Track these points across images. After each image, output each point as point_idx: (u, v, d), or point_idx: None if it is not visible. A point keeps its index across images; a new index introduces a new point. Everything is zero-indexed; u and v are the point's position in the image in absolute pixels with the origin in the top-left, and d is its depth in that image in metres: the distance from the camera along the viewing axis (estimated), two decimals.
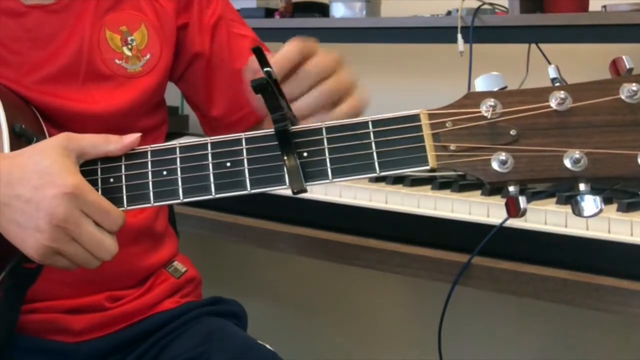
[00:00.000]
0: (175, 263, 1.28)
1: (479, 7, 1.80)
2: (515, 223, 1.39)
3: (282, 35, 2.17)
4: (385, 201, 1.58)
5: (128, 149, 0.94)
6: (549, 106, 0.79)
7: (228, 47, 1.27)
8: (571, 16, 1.70)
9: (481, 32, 1.78)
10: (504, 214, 1.44)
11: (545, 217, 1.40)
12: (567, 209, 1.39)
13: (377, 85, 2.32)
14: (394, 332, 2.40)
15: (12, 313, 1.07)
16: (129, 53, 1.18)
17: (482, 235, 1.42)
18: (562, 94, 0.79)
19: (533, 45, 1.92)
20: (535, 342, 2.13)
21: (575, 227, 1.35)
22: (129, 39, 1.19)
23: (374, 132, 0.85)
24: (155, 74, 1.21)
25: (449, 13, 1.85)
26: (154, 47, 1.20)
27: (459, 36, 1.78)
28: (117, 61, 1.18)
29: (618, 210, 1.37)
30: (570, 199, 1.41)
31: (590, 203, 0.79)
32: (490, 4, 1.83)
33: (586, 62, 1.95)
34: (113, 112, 1.16)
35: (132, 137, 0.94)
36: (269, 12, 2.16)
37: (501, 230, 1.40)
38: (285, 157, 0.86)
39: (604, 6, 1.69)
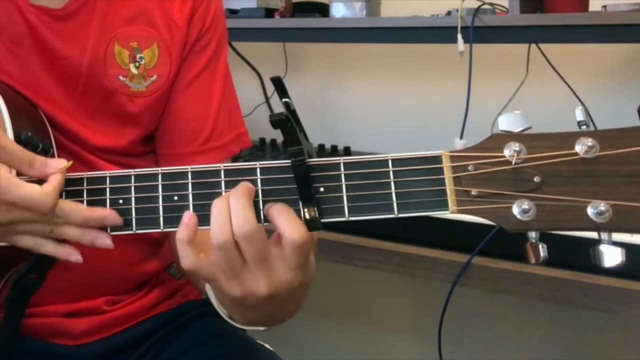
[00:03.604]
0: (176, 265, 1.27)
1: (479, 7, 1.80)
2: None
3: (282, 35, 2.20)
4: None
5: (47, 176, 0.88)
6: (575, 153, 0.76)
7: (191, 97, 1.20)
8: (571, 16, 1.70)
9: (481, 32, 1.78)
10: None
11: None
12: None
13: (377, 85, 2.32)
14: (394, 332, 2.40)
15: (15, 322, 1.06)
16: (135, 71, 1.13)
17: (482, 235, 1.42)
18: (589, 141, 0.76)
19: (533, 45, 1.92)
20: (535, 342, 2.13)
21: None
22: (137, 56, 1.13)
23: (393, 171, 0.81)
24: (159, 96, 1.15)
25: (449, 13, 1.85)
26: (163, 69, 1.15)
27: (459, 36, 1.78)
28: (120, 78, 1.12)
29: None
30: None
31: (611, 254, 0.77)
32: (490, 4, 1.83)
33: (586, 62, 1.95)
34: (104, 146, 1.13)
35: (58, 166, 0.89)
36: (269, 12, 2.15)
37: (501, 230, 1.40)
38: (302, 192, 0.83)
39: (604, 6, 1.69)
